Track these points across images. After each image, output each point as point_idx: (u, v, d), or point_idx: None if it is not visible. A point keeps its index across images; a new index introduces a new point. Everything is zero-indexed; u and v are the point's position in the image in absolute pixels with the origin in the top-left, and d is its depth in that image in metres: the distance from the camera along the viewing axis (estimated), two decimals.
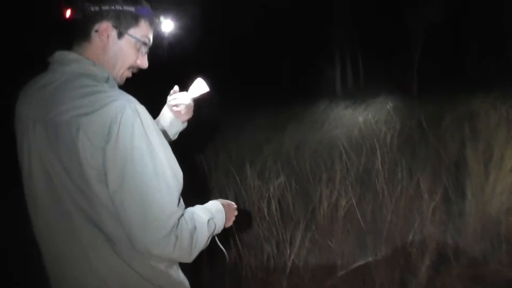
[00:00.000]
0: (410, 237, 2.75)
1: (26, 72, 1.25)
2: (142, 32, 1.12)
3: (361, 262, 2.63)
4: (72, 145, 0.95)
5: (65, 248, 1.04)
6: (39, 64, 1.19)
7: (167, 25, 1.20)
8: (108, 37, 1.07)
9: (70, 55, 1.06)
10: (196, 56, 13.03)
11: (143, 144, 0.95)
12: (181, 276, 1.15)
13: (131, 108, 0.95)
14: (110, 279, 1.02)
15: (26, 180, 1.07)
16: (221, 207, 1.20)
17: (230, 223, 1.24)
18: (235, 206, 1.27)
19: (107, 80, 1.06)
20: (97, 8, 1.05)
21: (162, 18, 1.17)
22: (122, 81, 1.15)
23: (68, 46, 1.09)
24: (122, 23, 1.08)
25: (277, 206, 3.22)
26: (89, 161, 0.94)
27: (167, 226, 0.94)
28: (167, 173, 0.97)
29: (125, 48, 1.10)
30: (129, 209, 0.94)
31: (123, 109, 0.94)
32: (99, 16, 1.05)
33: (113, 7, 1.06)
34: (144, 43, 1.13)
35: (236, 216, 1.29)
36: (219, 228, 1.16)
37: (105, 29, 1.06)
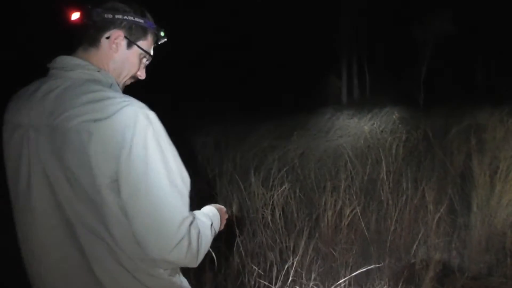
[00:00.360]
0: (414, 247, 2.74)
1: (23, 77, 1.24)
2: (148, 44, 1.15)
3: (365, 272, 2.61)
4: (82, 151, 0.94)
5: (65, 261, 1.01)
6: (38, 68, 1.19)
7: (166, 37, 1.23)
8: (117, 45, 1.09)
9: (74, 60, 1.06)
10: (201, 63, 13.11)
11: (157, 151, 0.95)
12: (184, 283, 1.15)
13: (144, 115, 0.95)
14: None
15: (22, 189, 1.02)
16: (216, 211, 1.21)
17: (222, 227, 1.25)
18: (225, 209, 1.29)
19: (110, 86, 1.06)
20: (110, 16, 1.06)
21: (162, 33, 1.20)
22: (122, 90, 1.16)
23: (71, 50, 1.09)
24: (133, 34, 1.11)
25: (281, 214, 3.21)
26: (102, 169, 0.93)
27: (181, 232, 0.95)
28: (178, 179, 0.98)
29: (131, 58, 1.13)
30: (144, 217, 0.94)
31: (136, 115, 0.95)
32: (112, 24, 1.07)
33: (126, 17, 1.08)
34: (150, 55, 1.17)
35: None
36: (216, 232, 1.16)
37: (117, 37, 1.08)
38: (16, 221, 1.06)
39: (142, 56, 1.15)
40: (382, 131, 4.97)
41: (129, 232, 0.96)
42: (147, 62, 1.19)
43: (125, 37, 1.10)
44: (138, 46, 1.12)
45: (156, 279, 1.04)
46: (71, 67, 1.05)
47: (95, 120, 0.94)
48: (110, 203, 0.95)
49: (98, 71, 1.06)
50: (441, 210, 2.97)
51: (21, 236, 1.06)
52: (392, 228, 2.98)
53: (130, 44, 1.11)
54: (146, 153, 0.94)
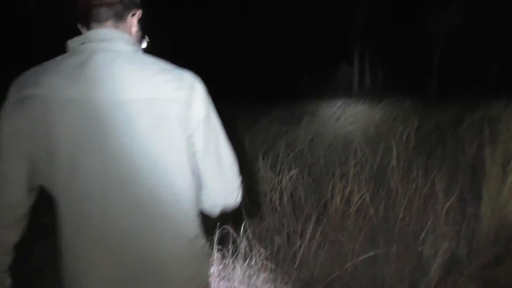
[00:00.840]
0: (423, 235, 2.72)
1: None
2: None
3: (371, 258, 2.61)
4: (163, 118, 1.00)
5: (127, 239, 1.01)
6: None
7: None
8: (137, 24, 1.13)
9: (117, 33, 1.05)
10: (212, 48, 13.04)
11: (215, 113, 1.11)
12: None
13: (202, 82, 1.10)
14: (175, 258, 1.06)
15: (81, 169, 0.98)
16: None
17: None
18: None
19: None
20: None
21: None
22: None
23: (92, 24, 1.06)
24: (141, 17, 1.14)
25: (289, 198, 3.21)
26: (182, 132, 1.02)
27: (240, 177, 1.15)
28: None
29: (139, 38, 1.16)
30: (218, 166, 1.10)
31: (200, 83, 1.07)
32: (134, 3, 1.10)
33: (139, 1, 1.13)
34: (147, 39, 1.21)
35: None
36: None
37: (138, 15, 1.12)
38: (64, 207, 1.01)
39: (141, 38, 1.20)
40: (393, 119, 4.91)
41: (195, 192, 1.08)
42: None
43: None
44: (142, 29, 1.16)
45: (205, 244, 1.15)
46: (117, 40, 1.04)
47: (178, 88, 1.02)
48: (184, 164, 1.04)
49: (134, 44, 1.09)
50: (451, 199, 2.94)
51: (72, 224, 1.01)
52: (401, 215, 2.97)
53: (139, 24, 1.15)
54: (213, 114, 1.09)
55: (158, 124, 1.00)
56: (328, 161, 3.76)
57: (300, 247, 2.69)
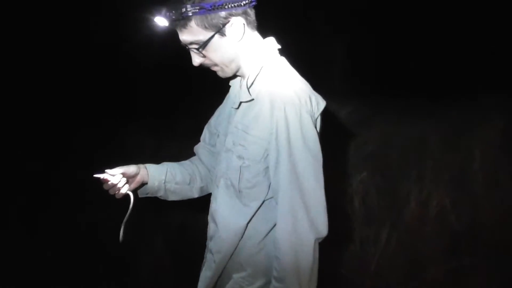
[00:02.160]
0: None
1: None
2: None
3: (455, 268, 2.43)
4: None
5: None
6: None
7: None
8: None
9: None
10: None
11: None
12: None
13: None
14: None
15: None
16: None
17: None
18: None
19: None
20: None
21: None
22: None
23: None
24: None
25: (361, 203, 3.10)
26: None
27: None
28: None
29: None
30: None
31: None
32: None
33: None
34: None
35: None
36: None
37: None
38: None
39: None
40: (474, 116, 4.52)
41: None
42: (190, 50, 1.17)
43: None
44: None
45: None
46: None
47: None
48: None
49: None
50: None
51: None
52: (487, 223, 2.73)
53: None
54: None
55: None
56: (402, 163, 3.56)
57: (374, 254, 2.59)
